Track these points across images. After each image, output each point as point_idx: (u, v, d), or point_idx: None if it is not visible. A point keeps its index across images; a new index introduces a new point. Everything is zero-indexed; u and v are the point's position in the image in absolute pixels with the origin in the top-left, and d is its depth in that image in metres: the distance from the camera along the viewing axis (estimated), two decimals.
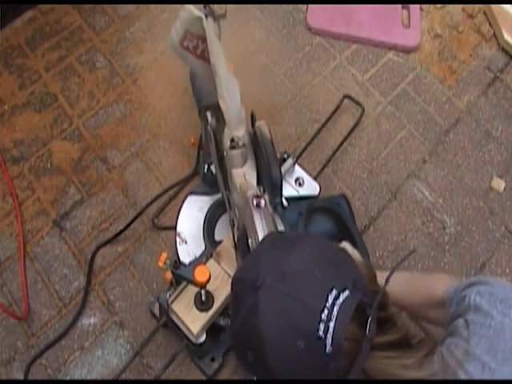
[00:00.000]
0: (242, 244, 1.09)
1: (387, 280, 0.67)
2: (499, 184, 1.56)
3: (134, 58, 1.73)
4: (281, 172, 1.11)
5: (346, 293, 0.62)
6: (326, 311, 0.60)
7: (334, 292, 0.61)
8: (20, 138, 1.60)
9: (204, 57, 1.22)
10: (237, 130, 1.10)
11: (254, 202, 1.00)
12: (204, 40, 1.15)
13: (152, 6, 1.82)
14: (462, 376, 0.64)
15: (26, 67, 1.70)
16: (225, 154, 1.16)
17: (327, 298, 0.61)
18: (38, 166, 1.55)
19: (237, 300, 0.69)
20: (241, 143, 1.11)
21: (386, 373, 0.63)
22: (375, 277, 0.70)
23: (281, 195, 1.13)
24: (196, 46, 1.20)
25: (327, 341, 0.59)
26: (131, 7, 1.82)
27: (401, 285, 0.93)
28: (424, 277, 1.01)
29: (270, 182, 1.07)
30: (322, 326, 0.59)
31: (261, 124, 1.14)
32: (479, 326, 0.66)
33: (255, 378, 1.14)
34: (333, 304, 0.61)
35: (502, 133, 1.64)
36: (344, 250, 0.71)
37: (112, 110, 1.64)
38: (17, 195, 1.51)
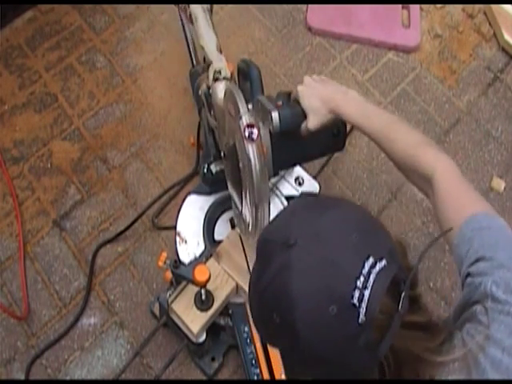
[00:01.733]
0: (231, 165, 1.09)
1: (420, 258, 0.64)
2: (499, 184, 1.56)
3: (134, 58, 1.73)
4: (259, 70, 1.14)
5: (383, 262, 0.59)
6: (361, 278, 0.57)
7: (371, 260, 0.58)
8: (20, 137, 1.60)
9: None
10: (218, 62, 1.18)
11: (246, 133, 0.94)
12: None
13: (152, 6, 1.82)
14: (482, 360, 0.63)
15: (26, 67, 1.70)
16: (210, 91, 1.19)
17: (364, 264, 0.58)
18: (37, 165, 1.55)
19: (264, 259, 0.64)
20: (223, 73, 1.16)
21: (412, 354, 0.61)
22: (406, 252, 0.67)
23: (262, 90, 1.15)
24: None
25: (361, 309, 0.56)
26: (131, 7, 1.82)
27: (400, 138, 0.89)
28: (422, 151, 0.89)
29: (250, 75, 1.12)
30: (356, 293, 0.56)
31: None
32: (498, 313, 0.64)
33: (256, 380, 1.15)
34: (369, 272, 0.57)
35: (502, 133, 1.64)
36: (379, 220, 0.67)
37: (112, 110, 1.64)
38: (17, 195, 1.51)
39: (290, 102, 1.06)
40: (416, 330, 0.62)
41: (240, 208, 1.12)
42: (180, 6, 1.35)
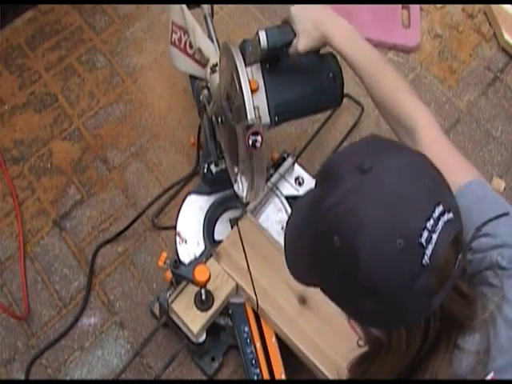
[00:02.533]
0: (228, 133, 1.09)
1: (478, 229, 0.65)
2: (499, 184, 1.56)
3: (134, 57, 1.73)
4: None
5: (451, 215, 0.58)
6: (431, 221, 0.56)
7: (441, 207, 0.57)
8: (20, 137, 1.60)
9: (187, 52, 1.31)
10: (215, 57, 1.21)
11: (250, 141, 0.93)
12: (186, 31, 1.28)
13: (152, 6, 1.82)
14: (499, 319, 0.64)
15: (26, 67, 1.70)
16: (208, 84, 1.22)
17: (434, 209, 0.56)
18: (38, 165, 1.55)
19: (331, 180, 0.61)
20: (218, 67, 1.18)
21: (453, 317, 0.61)
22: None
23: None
24: (180, 39, 1.32)
25: (427, 251, 0.55)
26: (131, 7, 1.82)
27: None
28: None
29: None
30: (425, 234, 0.55)
31: None
32: (507, 278, 0.66)
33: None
34: (438, 218, 0.56)
35: (502, 133, 1.64)
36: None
37: (112, 110, 1.64)
38: (17, 195, 1.51)
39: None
40: (459, 296, 0.62)
41: (235, 175, 1.13)
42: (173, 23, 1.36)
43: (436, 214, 0.56)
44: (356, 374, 0.70)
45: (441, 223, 0.57)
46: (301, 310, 1.18)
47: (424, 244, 0.55)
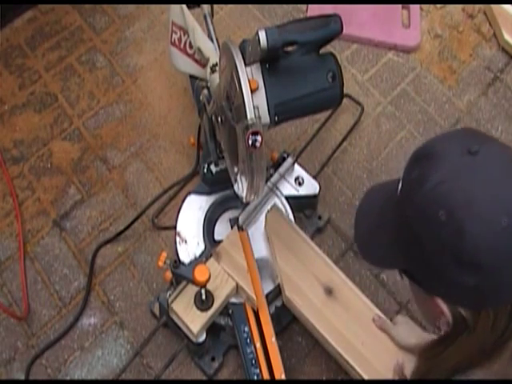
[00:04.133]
0: (227, 132, 1.10)
1: None
2: None
3: (134, 57, 1.73)
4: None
5: None
6: None
7: None
8: (20, 138, 1.60)
9: (187, 52, 1.31)
10: (214, 57, 1.22)
11: (250, 141, 0.94)
12: (186, 32, 1.29)
13: (152, 6, 1.82)
14: None
15: (26, 67, 1.71)
16: (208, 84, 1.22)
17: None
18: (38, 165, 1.55)
19: (436, 159, 0.65)
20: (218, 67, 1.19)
21: None
22: None
23: None
24: (180, 39, 1.32)
25: None
26: (131, 7, 1.82)
27: None
28: None
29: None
30: None
31: None
32: None
33: (259, 377, 1.15)
34: None
35: (502, 133, 1.64)
36: None
37: (112, 110, 1.64)
38: (17, 195, 1.51)
39: None
40: None
41: (235, 175, 1.14)
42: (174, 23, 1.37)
43: None
44: (428, 357, 0.71)
45: None
46: (327, 301, 1.19)
47: None
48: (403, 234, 0.65)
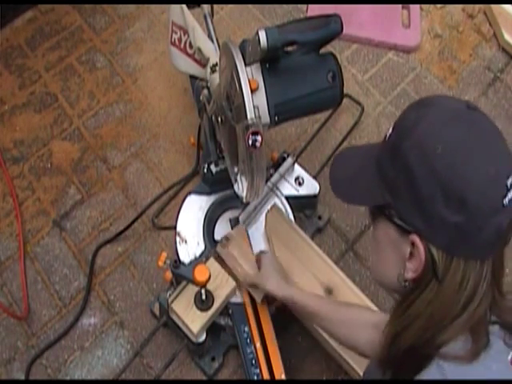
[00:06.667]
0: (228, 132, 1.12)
1: None
2: None
3: (134, 57, 1.73)
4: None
5: None
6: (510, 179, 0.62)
7: None
8: (20, 137, 1.60)
9: (187, 52, 1.31)
10: (214, 57, 1.22)
11: (250, 141, 0.95)
12: (186, 32, 1.29)
13: (152, 6, 1.82)
14: None
15: (26, 67, 1.71)
16: (208, 84, 1.23)
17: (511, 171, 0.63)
18: (38, 165, 1.55)
19: (438, 104, 0.68)
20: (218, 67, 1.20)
21: (498, 272, 0.66)
22: None
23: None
24: (180, 39, 1.33)
25: (509, 194, 0.61)
26: (131, 7, 1.83)
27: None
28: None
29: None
30: (510, 180, 0.62)
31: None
32: None
33: (256, 377, 1.15)
34: None
35: (502, 133, 1.64)
36: None
37: (112, 110, 1.64)
38: (17, 195, 1.51)
39: None
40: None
41: (235, 175, 1.14)
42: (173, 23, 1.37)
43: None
44: (396, 315, 0.71)
45: None
46: None
47: (508, 187, 0.61)
48: (391, 168, 0.67)
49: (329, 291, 1.21)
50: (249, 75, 0.98)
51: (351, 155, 0.81)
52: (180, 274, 1.10)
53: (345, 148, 0.86)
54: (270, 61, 1.01)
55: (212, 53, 1.24)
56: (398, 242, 0.68)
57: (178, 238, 1.32)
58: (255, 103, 0.97)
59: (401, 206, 0.66)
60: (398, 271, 0.69)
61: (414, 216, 0.64)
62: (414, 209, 0.64)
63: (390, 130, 0.72)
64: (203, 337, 1.18)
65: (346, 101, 1.65)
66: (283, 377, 1.15)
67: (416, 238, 0.64)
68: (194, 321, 1.15)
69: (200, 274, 1.06)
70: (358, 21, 1.79)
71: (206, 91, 1.21)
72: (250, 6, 1.83)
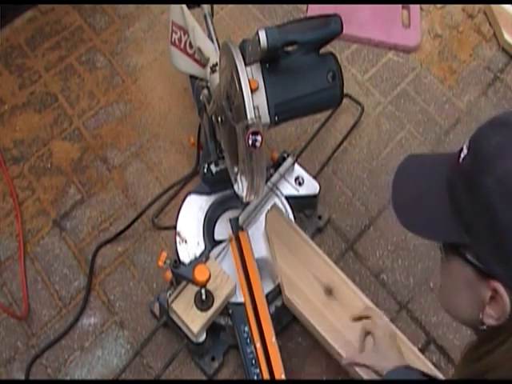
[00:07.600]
0: (228, 132, 1.11)
1: None
2: None
3: (134, 57, 1.73)
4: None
5: None
6: None
7: None
8: (20, 138, 1.60)
9: (187, 52, 1.32)
10: (214, 58, 1.22)
11: (250, 141, 0.94)
12: (186, 31, 1.29)
13: (152, 6, 1.82)
14: None
15: (26, 67, 1.71)
16: (208, 84, 1.23)
17: None
18: (38, 166, 1.55)
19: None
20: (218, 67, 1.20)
21: None
22: None
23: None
24: (180, 39, 1.33)
25: None
26: (131, 7, 1.83)
27: None
28: None
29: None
30: None
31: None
32: None
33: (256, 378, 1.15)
34: None
35: None
36: None
37: (112, 110, 1.64)
38: (17, 195, 1.51)
39: None
40: None
41: (235, 175, 1.14)
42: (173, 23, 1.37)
43: None
44: (471, 359, 0.64)
45: None
46: (327, 301, 1.20)
47: None
48: (467, 202, 0.59)
49: (329, 291, 1.21)
50: (249, 75, 0.98)
51: (416, 165, 0.72)
52: (180, 273, 1.10)
53: (407, 157, 0.75)
54: (270, 61, 1.01)
55: (212, 53, 1.24)
56: (475, 285, 0.61)
57: (177, 238, 1.32)
58: (255, 103, 0.97)
59: (480, 250, 0.59)
60: (474, 311, 0.62)
61: (495, 262, 0.57)
62: (496, 254, 0.57)
63: (465, 151, 0.64)
64: (203, 337, 1.18)
65: (346, 101, 1.65)
66: (283, 377, 1.15)
67: (499, 286, 0.57)
68: (194, 321, 1.15)
69: (200, 273, 1.06)
70: (358, 21, 1.79)
71: (205, 91, 1.21)
72: (250, 5, 1.83)
